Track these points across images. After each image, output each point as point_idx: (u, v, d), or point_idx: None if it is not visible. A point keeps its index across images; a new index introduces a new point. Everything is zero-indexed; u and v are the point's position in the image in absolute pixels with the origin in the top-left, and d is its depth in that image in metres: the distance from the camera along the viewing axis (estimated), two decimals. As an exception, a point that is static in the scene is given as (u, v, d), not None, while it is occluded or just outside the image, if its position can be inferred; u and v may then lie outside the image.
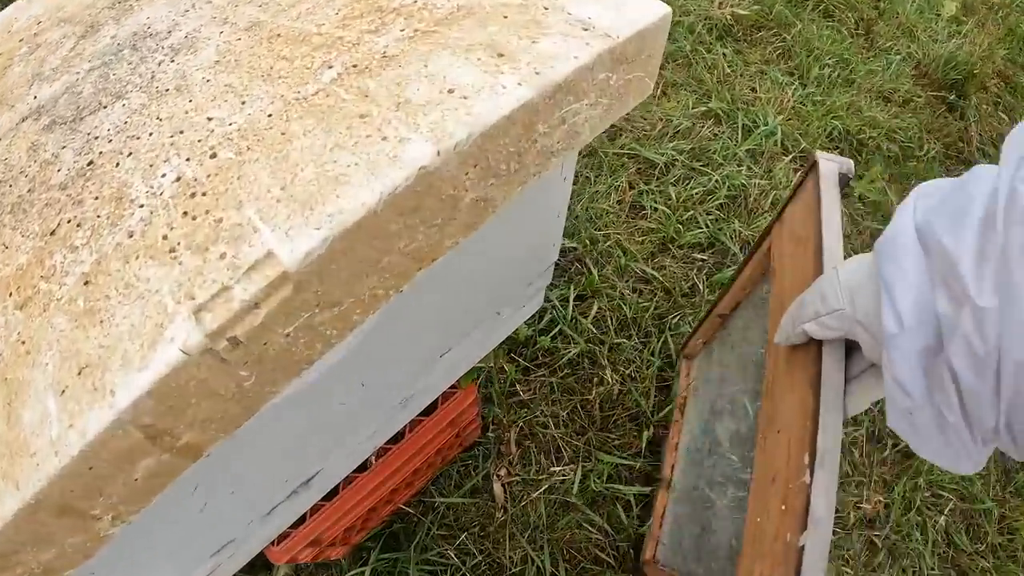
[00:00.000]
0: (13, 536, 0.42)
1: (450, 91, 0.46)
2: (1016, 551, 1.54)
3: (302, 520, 1.02)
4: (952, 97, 2.32)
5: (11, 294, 0.48)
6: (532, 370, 1.51)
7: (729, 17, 2.32)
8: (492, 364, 1.50)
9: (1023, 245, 0.40)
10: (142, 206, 0.46)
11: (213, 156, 0.47)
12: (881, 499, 1.50)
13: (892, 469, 1.54)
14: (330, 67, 0.50)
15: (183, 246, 0.43)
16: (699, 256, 1.72)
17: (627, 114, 2.01)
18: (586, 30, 0.50)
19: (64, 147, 0.54)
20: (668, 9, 0.52)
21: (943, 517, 1.51)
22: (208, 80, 0.53)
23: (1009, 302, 0.41)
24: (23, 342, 0.45)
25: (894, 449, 1.55)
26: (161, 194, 0.46)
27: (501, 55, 0.48)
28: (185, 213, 0.45)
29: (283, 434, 0.73)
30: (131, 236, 0.45)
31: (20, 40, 0.68)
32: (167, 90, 0.54)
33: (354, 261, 0.43)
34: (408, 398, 0.94)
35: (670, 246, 1.73)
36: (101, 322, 0.43)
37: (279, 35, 0.54)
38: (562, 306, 1.54)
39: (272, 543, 1.01)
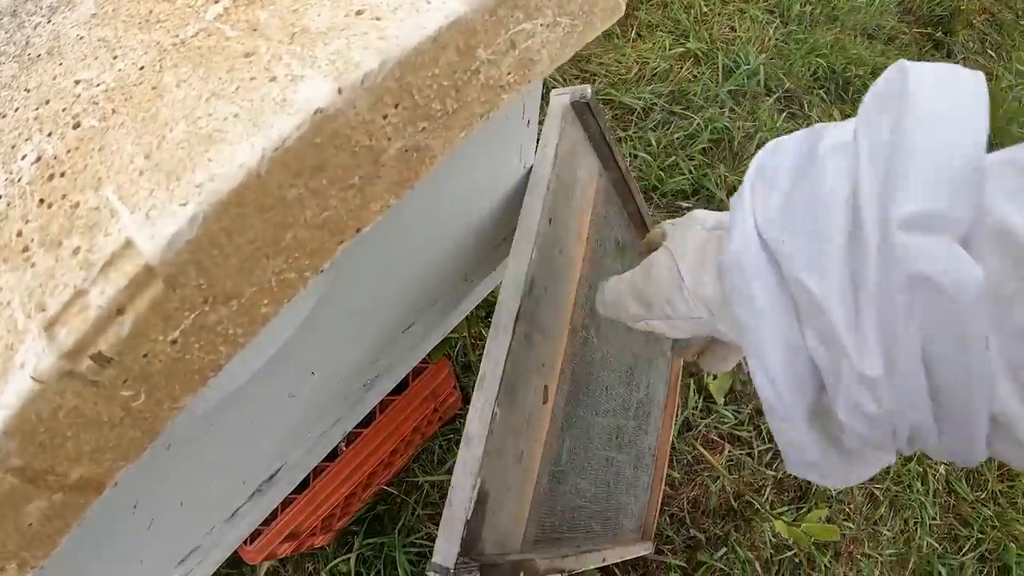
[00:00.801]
0: None
1: (358, 12, 0.36)
2: (1016, 498, 1.52)
3: (274, 516, 0.95)
4: (939, 34, 2.25)
5: None
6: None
7: (708, -44, 2.21)
8: (468, 332, 1.41)
9: (906, 301, 0.32)
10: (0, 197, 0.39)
11: (76, 127, 0.39)
12: (881, 450, 1.46)
13: (888, 436, 1.49)
14: (216, 1, 0.41)
15: (36, 242, 0.36)
16: (684, 204, 1.64)
17: (600, 58, 1.92)
18: (537, -75, 0.40)
19: (-84, 136, 0.47)
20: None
21: (943, 466, 1.49)
22: (82, 37, 0.45)
23: (897, 372, 0.33)
24: None
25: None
26: (19, 180, 0.39)
27: (425, -39, 0.39)
28: (41, 201, 0.37)
29: (225, 439, 0.64)
30: (-17, 236, 0.38)
31: None
32: (39, 56, 0.46)
33: (243, 242, 0.34)
34: (372, 379, 0.85)
35: (652, 195, 1.64)
36: (-56, 350, 0.35)
37: (161, -24, 0.45)
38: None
39: (245, 542, 0.94)
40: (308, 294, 0.57)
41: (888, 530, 1.42)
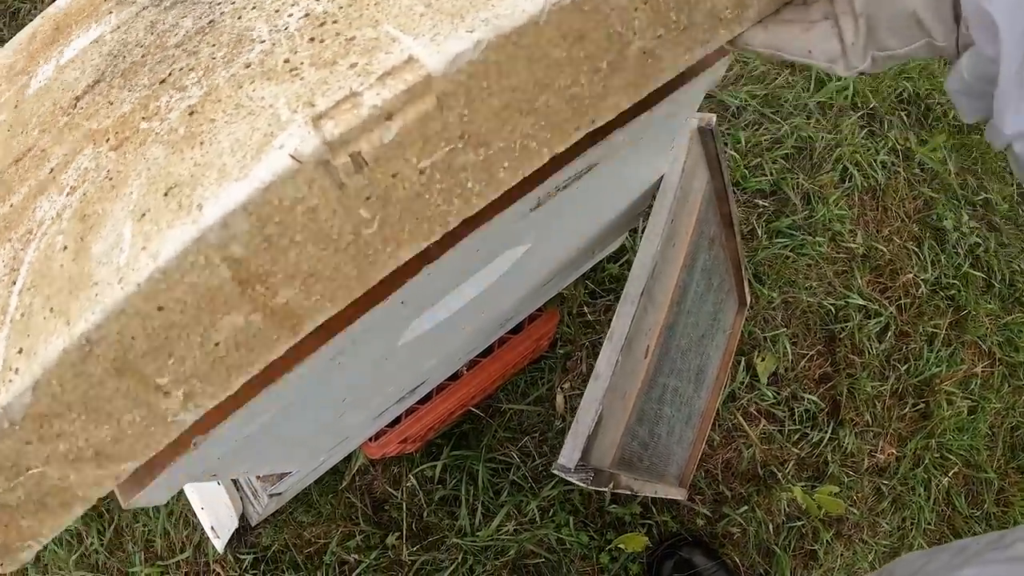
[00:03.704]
0: (57, 390, 0.34)
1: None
2: (1008, 523, 1.67)
3: (397, 420, 1.16)
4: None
5: (108, 139, 0.42)
6: (599, 294, 1.63)
7: (816, -39, 2.31)
8: (575, 290, 1.61)
9: None
10: (263, 42, 0.40)
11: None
12: (894, 452, 1.64)
13: (909, 426, 1.67)
14: None
15: (307, 64, 0.37)
16: (761, 202, 1.80)
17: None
18: None
19: (184, 16, 0.48)
20: None
21: (947, 479, 1.65)
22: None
23: None
24: (110, 178, 0.39)
25: (913, 408, 1.67)
26: (286, 29, 0.40)
27: None
28: (312, 39, 0.38)
29: (409, 355, 0.84)
30: (248, 67, 0.39)
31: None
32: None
33: (508, 86, 0.37)
34: (508, 320, 1.06)
35: (735, 189, 1.81)
36: (201, 143, 0.36)
37: None
38: (631, 236, 1.63)
39: (369, 439, 1.15)
40: (516, 250, 0.77)
41: (887, 523, 1.60)
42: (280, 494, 1.19)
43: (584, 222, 0.92)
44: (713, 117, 1.01)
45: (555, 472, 0.85)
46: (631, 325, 0.88)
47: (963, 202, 1.91)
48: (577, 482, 0.87)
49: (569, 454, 0.84)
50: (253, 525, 1.47)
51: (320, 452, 1.00)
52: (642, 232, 0.96)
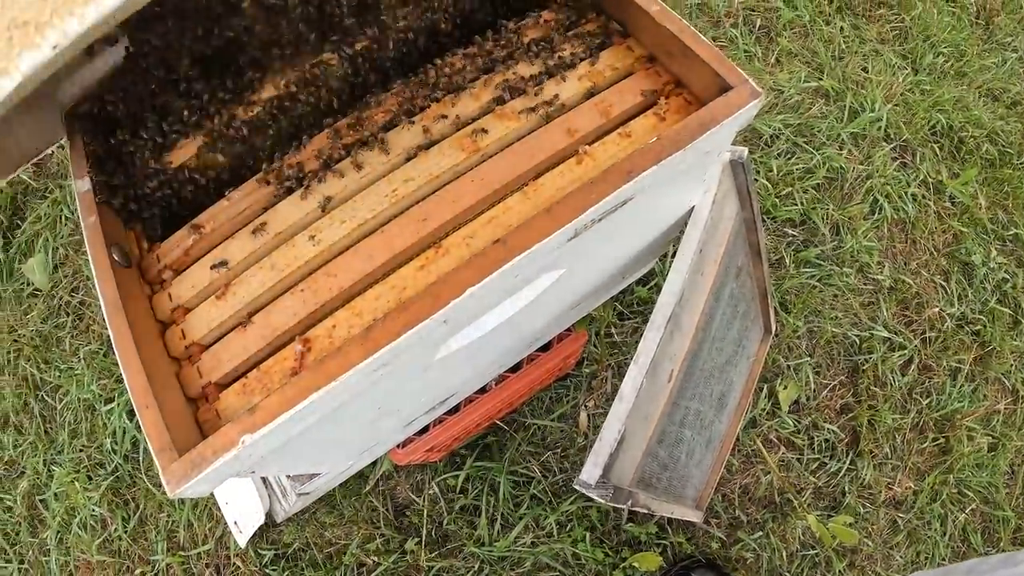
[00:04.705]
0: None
1: None
2: None
3: (425, 429, 1.20)
4: (1064, 107, 2.30)
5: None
6: (627, 316, 1.66)
7: (851, -11, 2.33)
8: (603, 312, 1.64)
9: None
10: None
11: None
12: (911, 485, 1.65)
13: (928, 461, 1.67)
14: None
15: None
16: (790, 231, 1.82)
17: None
18: None
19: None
20: None
21: (964, 515, 1.65)
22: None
23: None
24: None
25: (933, 442, 1.68)
26: None
27: None
28: None
29: (447, 368, 0.89)
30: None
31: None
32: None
33: None
34: (538, 339, 1.10)
35: (764, 218, 1.83)
36: None
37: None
38: (661, 261, 1.66)
39: (397, 446, 1.19)
40: (552, 275, 0.81)
41: (901, 556, 1.61)
42: (308, 494, 1.24)
43: (617, 249, 0.95)
44: (745, 151, 1.04)
45: (576, 487, 0.89)
46: (657, 350, 0.91)
47: (993, 237, 1.92)
48: (597, 498, 0.90)
49: (590, 470, 0.87)
50: (278, 522, 1.51)
51: (352, 455, 1.04)
52: (672, 259, 0.99)
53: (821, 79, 2.09)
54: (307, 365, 0.73)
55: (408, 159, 0.81)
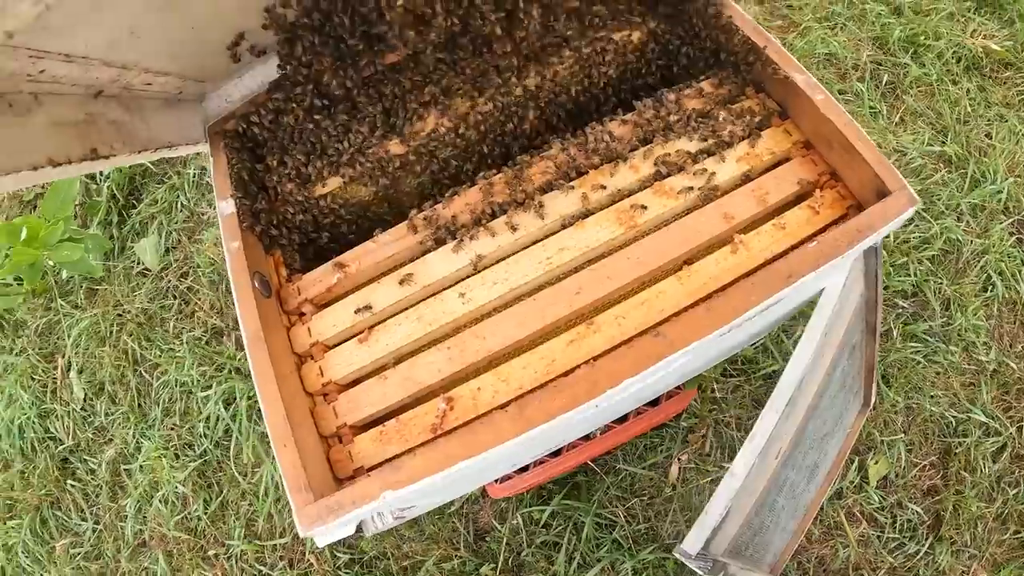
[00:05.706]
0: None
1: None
2: None
3: (524, 468, 1.22)
4: None
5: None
6: (731, 374, 1.66)
7: (980, 50, 2.25)
8: (710, 374, 1.64)
9: None
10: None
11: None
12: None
13: (1006, 553, 1.62)
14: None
15: None
16: (901, 303, 1.78)
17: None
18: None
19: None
20: None
21: None
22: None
23: None
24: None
25: (1015, 535, 1.62)
26: None
27: None
28: None
29: (573, 425, 0.91)
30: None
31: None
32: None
33: None
34: (649, 396, 1.11)
35: (880, 291, 1.79)
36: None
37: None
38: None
39: (496, 480, 1.21)
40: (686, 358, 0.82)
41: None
42: (404, 517, 1.28)
43: (746, 334, 0.96)
44: (880, 237, 1.03)
45: (676, 555, 0.90)
46: (772, 431, 0.91)
47: (1105, 324, 1.84)
48: (696, 568, 0.91)
49: (693, 542, 0.88)
50: (367, 536, 1.55)
51: (459, 495, 1.08)
52: (795, 341, 0.99)
53: (945, 143, 2.04)
54: (448, 423, 0.76)
55: (564, 227, 0.83)
